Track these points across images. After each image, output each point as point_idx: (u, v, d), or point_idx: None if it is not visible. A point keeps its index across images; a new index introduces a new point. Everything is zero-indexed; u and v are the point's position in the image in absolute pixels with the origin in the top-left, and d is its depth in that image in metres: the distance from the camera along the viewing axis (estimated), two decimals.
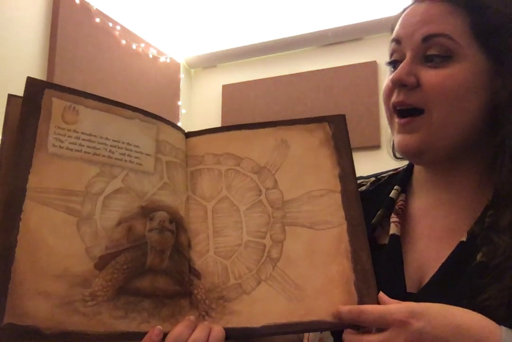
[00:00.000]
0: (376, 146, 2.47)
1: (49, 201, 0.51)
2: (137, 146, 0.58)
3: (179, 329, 0.53)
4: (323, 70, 2.83)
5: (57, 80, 2.16)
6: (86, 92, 0.57)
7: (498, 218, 0.58)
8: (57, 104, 0.54)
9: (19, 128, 0.51)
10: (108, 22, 2.52)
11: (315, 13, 2.76)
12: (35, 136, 0.52)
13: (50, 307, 0.48)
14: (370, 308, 0.51)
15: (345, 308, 0.53)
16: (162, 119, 0.62)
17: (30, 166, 0.51)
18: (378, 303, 0.54)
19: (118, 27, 2.57)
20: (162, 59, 2.91)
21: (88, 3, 2.40)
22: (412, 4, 0.66)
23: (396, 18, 0.67)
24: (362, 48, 2.76)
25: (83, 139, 0.55)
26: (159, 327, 0.52)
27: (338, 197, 0.60)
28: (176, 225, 0.58)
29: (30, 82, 0.54)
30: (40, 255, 0.49)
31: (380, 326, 0.51)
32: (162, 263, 0.56)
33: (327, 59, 2.85)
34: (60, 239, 0.51)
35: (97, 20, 2.44)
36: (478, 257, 0.57)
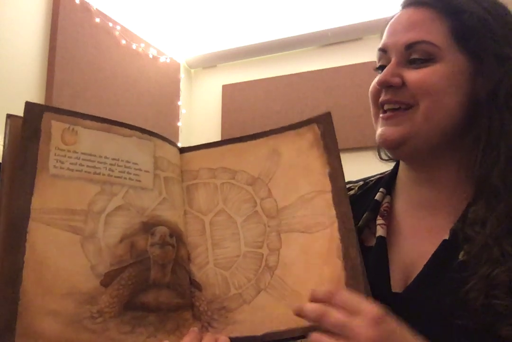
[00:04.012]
0: (376, 147, 2.47)
1: (53, 221, 0.52)
2: (136, 164, 0.60)
3: (186, 341, 0.54)
4: (323, 70, 2.83)
5: (57, 80, 2.16)
6: (84, 114, 0.58)
7: (475, 211, 0.59)
8: (56, 126, 0.56)
9: (20, 151, 0.52)
10: (108, 22, 2.52)
11: (315, 13, 2.76)
12: (36, 159, 0.53)
13: (60, 326, 0.48)
14: (344, 294, 0.50)
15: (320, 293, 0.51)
16: (158, 136, 0.64)
17: (32, 188, 0.52)
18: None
19: (118, 27, 2.57)
20: (162, 59, 2.91)
21: (88, 3, 2.40)
22: (399, 11, 0.70)
23: (385, 24, 0.71)
24: (362, 48, 2.75)
25: (83, 159, 0.56)
26: (166, 341, 0.53)
27: (329, 197, 0.61)
28: (176, 239, 0.59)
29: (29, 107, 0.54)
30: (46, 275, 0.49)
31: (352, 308, 0.48)
32: (164, 277, 0.57)
33: (327, 59, 2.85)
34: (65, 258, 0.51)
35: (97, 20, 2.44)
36: (460, 255, 0.58)
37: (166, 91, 2.94)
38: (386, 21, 0.72)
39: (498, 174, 0.59)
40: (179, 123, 3.00)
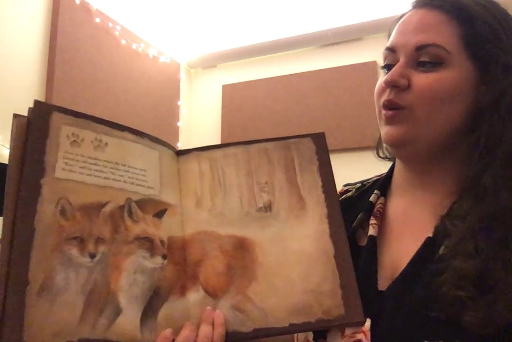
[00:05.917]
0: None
1: None
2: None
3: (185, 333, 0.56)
4: (323, 70, 2.83)
5: (57, 80, 2.17)
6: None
7: (459, 207, 0.61)
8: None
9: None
10: (108, 22, 2.52)
11: (315, 13, 2.76)
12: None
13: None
14: None
15: None
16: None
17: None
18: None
19: (118, 27, 2.58)
20: (162, 59, 2.92)
21: (88, 3, 2.40)
22: (410, 10, 0.69)
23: (394, 22, 0.70)
24: (362, 48, 2.75)
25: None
26: (170, 329, 0.56)
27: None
28: None
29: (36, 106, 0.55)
30: None
31: None
32: None
33: (327, 59, 2.85)
34: None
35: (97, 20, 2.44)
36: (441, 250, 0.59)
37: (166, 91, 2.94)
38: (387, 21, 0.72)
39: (490, 176, 0.60)
40: (179, 123, 3.01)
